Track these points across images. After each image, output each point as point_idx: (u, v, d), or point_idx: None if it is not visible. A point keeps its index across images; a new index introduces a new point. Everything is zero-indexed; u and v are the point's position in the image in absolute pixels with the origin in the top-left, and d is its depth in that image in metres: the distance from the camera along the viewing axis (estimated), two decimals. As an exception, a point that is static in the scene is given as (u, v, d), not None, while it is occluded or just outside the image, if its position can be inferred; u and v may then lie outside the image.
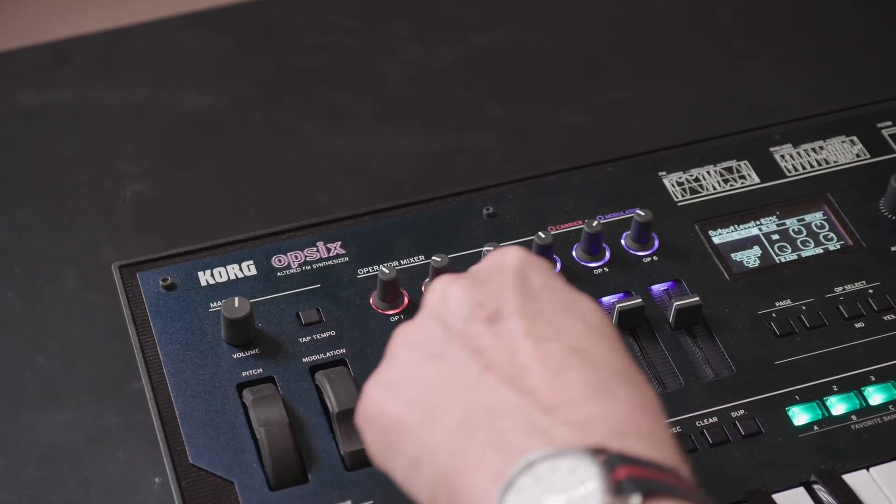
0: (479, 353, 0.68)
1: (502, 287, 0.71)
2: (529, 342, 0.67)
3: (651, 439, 0.64)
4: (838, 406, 0.85)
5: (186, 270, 0.91)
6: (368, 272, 0.91)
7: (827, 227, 0.95)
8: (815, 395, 0.86)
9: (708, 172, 0.98)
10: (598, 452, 0.62)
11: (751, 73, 1.22)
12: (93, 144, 1.16)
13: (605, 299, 0.90)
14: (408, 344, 0.71)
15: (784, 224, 0.95)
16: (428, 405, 0.68)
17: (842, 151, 0.99)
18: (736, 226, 0.95)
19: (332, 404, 0.83)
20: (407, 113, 1.18)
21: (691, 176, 0.97)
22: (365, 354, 0.87)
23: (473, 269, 0.74)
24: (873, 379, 0.87)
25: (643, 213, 0.92)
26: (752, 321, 0.89)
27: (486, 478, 0.64)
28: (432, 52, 1.24)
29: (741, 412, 0.85)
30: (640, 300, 0.88)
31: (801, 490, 0.81)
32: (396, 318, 0.88)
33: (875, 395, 0.86)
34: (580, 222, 0.94)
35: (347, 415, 0.82)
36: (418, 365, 0.69)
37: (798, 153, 0.99)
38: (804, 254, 0.94)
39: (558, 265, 0.91)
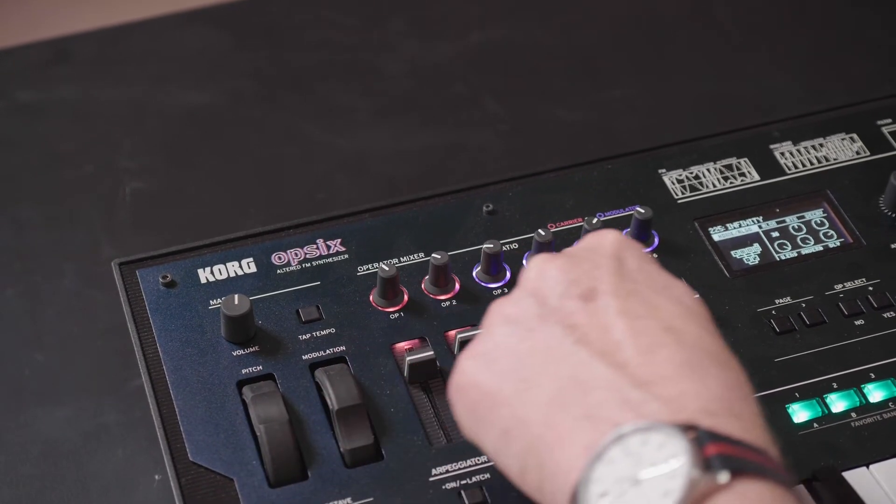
0: (573, 329, 0.69)
1: (598, 266, 0.72)
2: (623, 319, 0.69)
3: (741, 419, 0.65)
4: (838, 403, 0.85)
5: (186, 268, 0.90)
6: (368, 269, 0.91)
7: (827, 225, 0.95)
8: (815, 393, 0.86)
9: (708, 170, 0.98)
10: (688, 429, 0.63)
11: (751, 70, 1.22)
12: (92, 141, 1.15)
13: (605, 297, 0.90)
14: (503, 318, 0.73)
15: (784, 221, 0.95)
16: (521, 377, 0.69)
17: (842, 149, 0.99)
18: (736, 223, 0.95)
19: (332, 401, 0.82)
20: (406, 110, 1.18)
21: (691, 173, 0.97)
22: (365, 352, 0.86)
23: (570, 249, 0.76)
24: (873, 376, 0.87)
25: (643, 211, 0.92)
26: (752, 318, 0.89)
27: (577, 449, 0.65)
28: (431, 49, 1.24)
29: (741, 409, 0.85)
30: (639, 297, 0.88)
31: (801, 488, 0.81)
32: (396, 315, 0.88)
33: (875, 393, 0.86)
34: (580, 220, 0.94)
35: (347, 412, 0.82)
36: (513, 339, 0.71)
37: (798, 150, 0.99)
38: (804, 251, 0.93)
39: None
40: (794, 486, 0.64)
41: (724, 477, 0.62)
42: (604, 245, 0.74)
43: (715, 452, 0.62)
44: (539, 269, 0.74)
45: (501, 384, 0.70)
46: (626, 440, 0.64)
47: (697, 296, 0.73)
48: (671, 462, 0.62)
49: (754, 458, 0.63)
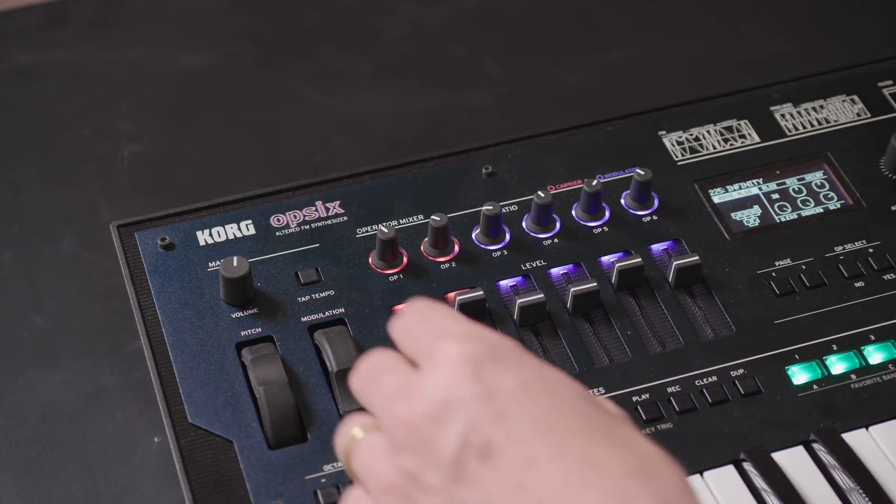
0: None
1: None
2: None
3: None
4: (838, 365, 0.85)
5: (185, 230, 0.90)
6: (367, 231, 0.91)
7: (827, 187, 0.95)
8: (815, 355, 0.86)
9: (708, 132, 0.97)
10: None
11: (751, 31, 1.22)
12: (90, 104, 1.15)
13: (605, 258, 0.90)
14: None
15: (784, 183, 0.95)
16: None
17: (842, 110, 0.99)
18: (736, 185, 0.95)
19: (331, 363, 0.83)
20: (405, 72, 1.18)
21: (691, 135, 0.97)
22: (364, 314, 0.86)
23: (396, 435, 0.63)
24: (873, 338, 0.87)
25: (643, 173, 0.91)
26: (752, 280, 0.89)
27: None
28: (429, 10, 1.23)
29: (741, 371, 0.85)
30: (639, 259, 0.88)
31: (800, 449, 0.81)
32: (395, 277, 0.88)
33: (875, 355, 0.86)
34: (580, 182, 0.94)
35: (346, 374, 0.82)
36: None
37: (798, 112, 0.99)
38: (804, 213, 0.93)
39: (557, 224, 0.91)
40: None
41: None
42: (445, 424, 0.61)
43: None
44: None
45: None
46: None
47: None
48: None
49: None
